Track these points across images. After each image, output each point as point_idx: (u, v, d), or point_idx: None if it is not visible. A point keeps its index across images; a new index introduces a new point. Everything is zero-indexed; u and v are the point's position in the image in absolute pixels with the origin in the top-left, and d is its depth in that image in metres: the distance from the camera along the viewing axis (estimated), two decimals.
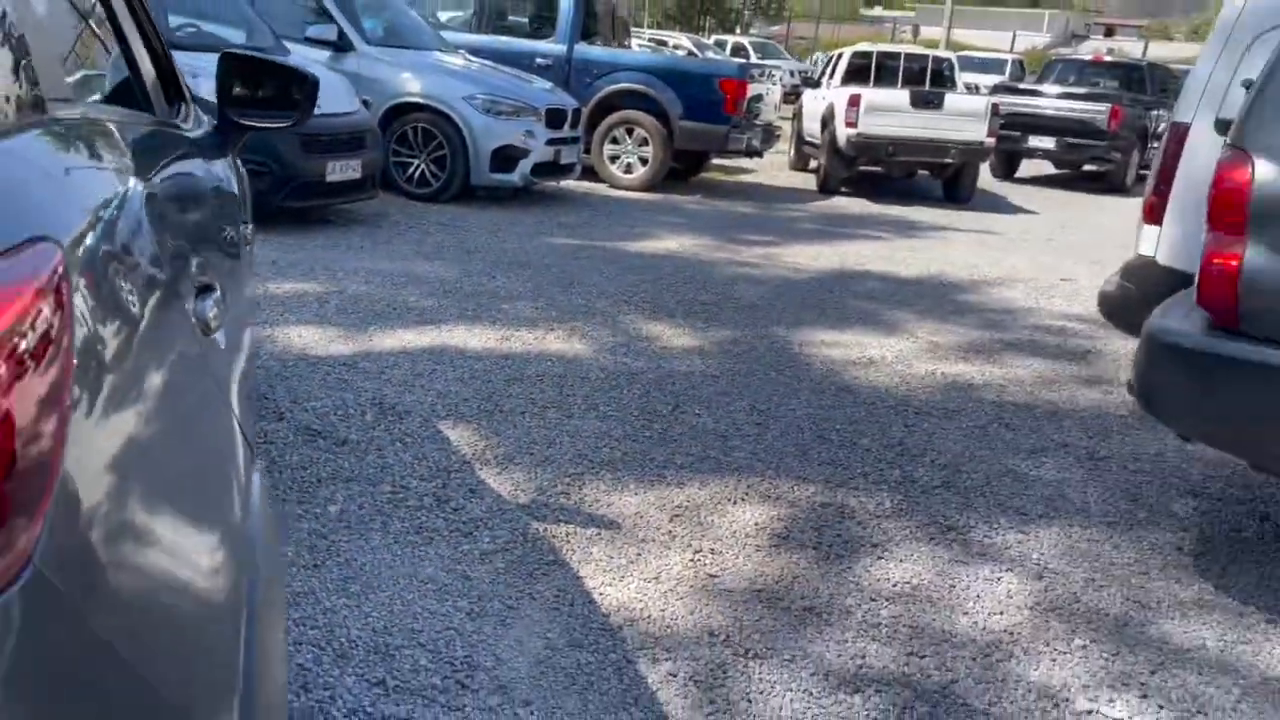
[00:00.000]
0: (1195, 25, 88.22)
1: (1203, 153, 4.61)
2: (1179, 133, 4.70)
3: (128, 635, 0.82)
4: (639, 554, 3.08)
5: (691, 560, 3.07)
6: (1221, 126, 4.50)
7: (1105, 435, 4.47)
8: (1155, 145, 16.72)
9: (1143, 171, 16.51)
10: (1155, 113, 16.49)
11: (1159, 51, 41.66)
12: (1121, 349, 5.81)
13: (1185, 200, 4.64)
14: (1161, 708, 2.54)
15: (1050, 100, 15.43)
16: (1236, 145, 2.75)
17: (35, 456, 0.70)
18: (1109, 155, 15.22)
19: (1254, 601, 3.09)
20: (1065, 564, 3.25)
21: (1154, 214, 4.74)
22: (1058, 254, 9.29)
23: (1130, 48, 44.89)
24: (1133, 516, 3.65)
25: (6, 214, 0.80)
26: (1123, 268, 4.96)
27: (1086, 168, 16.02)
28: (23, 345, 0.70)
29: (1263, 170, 2.66)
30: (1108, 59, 18.72)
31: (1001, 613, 2.93)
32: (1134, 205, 13.76)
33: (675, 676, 2.48)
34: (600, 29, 11.96)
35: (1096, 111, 14.89)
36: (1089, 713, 2.50)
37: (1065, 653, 2.75)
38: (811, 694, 2.47)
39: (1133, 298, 4.82)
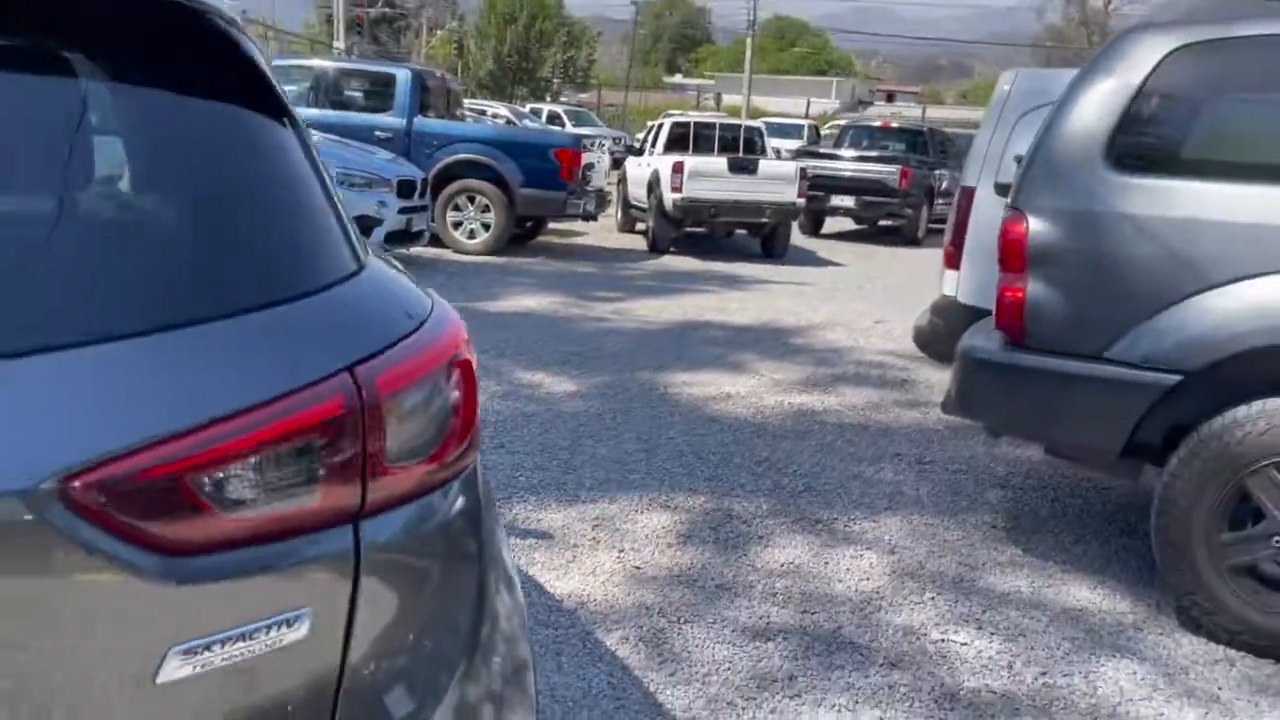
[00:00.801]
0: (963, 90, 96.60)
1: (986, 210, 5.66)
2: (968, 194, 5.73)
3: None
4: (574, 556, 3.66)
5: (618, 558, 3.68)
6: (1000, 189, 5.56)
7: (928, 445, 5.35)
8: (941, 201, 18.65)
9: (932, 225, 18.35)
10: (938, 172, 18.40)
11: (936, 114, 45.62)
12: (932, 377, 6.80)
13: (976, 250, 5.66)
14: (993, 634, 3.31)
15: (848, 163, 17.00)
16: (1015, 206, 3.64)
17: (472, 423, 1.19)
18: (902, 211, 16.88)
19: (1052, 559, 3.95)
20: (910, 542, 4.03)
21: (952, 261, 5.74)
22: (868, 300, 10.42)
23: (909, 112, 48.90)
24: (956, 505, 4.50)
25: (417, 302, 1.23)
26: (931, 306, 5.93)
27: (883, 223, 17.64)
28: (458, 374, 1.18)
29: (1035, 225, 3.55)
30: (894, 125, 20.69)
31: (867, 579, 3.66)
32: (926, 255, 15.41)
33: (627, 639, 3.08)
34: (435, 103, 12.54)
35: (889, 172, 16.53)
36: (941, 641, 3.24)
37: (919, 603, 3.50)
38: (734, 644, 3.12)
39: (940, 330, 5.79)
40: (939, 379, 6.80)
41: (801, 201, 13.34)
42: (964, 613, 3.45)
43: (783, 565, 3.71)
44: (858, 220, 17.79)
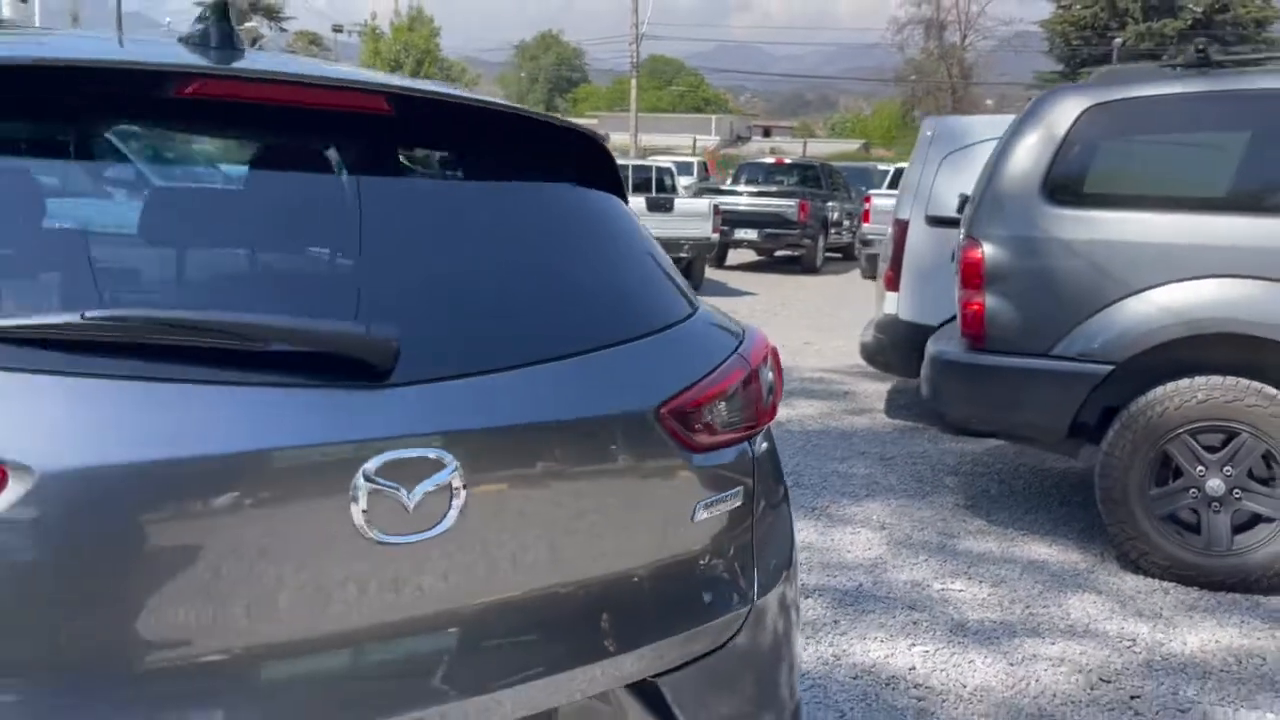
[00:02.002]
0: (832, 123, 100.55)
1: (918, 239, 6.55)
2: (901, 226, 6.60)
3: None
4: None
5: None
6: (931, 220, 6.47)
7: (884, 444, 6.16)
8: (835, 231, 19.86)
9: (828, 254, 19.55)
10: (830, 204, 19.63)
11: (815, 148, 47.69)
12: (870, 389, 7.64)
13: (911, 273, 6.53)
14: (981, 582, 4.08)
15: (749, 198, 18.02)
16: (970, 235, 4.46)
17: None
18: (800, 242, 17.97)
19: (1012, 526, 4.76)
20: (894, 520, 4.79)
21: (892, 284, 6.59)
22: (790, 325, 11.29)
23: (789, 146, 50.94)
24: (922, 489, 5.28)
25: (735, 324, 1.82)
26: (875, 323, 6.77)
27: (782, 253, 18.71)
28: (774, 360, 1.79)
29: (988, 249, 4.36)
30: (788, 161, 21.90)
31: (869, 549, 4.40)
32: (826, 282, 16.51)
33: None
34: None
35: (787, 206, 17.62)
36: (942, 589, 3.99)
37: (915, 564, 4.25)
38: None
39: (885, 344, 6.64)
40: (876, 390, 7.67)
41: (716, 236, 14.24)
42: (953, 569, 4.21)
43: (798, 544, 4.41)
44: (759, 251, 18.81)
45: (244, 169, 1.45)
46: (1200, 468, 4.06)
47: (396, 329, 1.24)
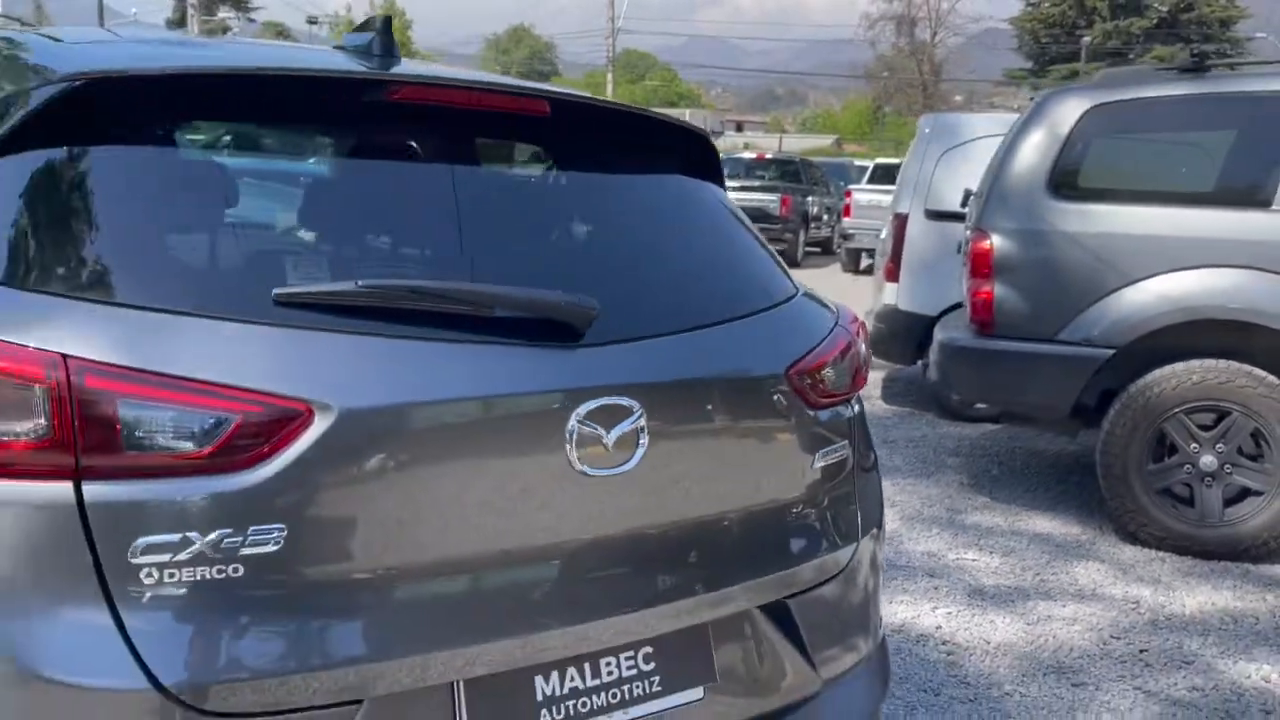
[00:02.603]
0: (803, 118, 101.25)
1: (917, 232, 6.83)
2: (901, 220, 6.88)
3: None
4: None
5: None
6: (930, 214, 6.74)
7: (886, 429, 6.43)
8: (816, 225, 20.18)
9: (808, 249, 19.87)
10: (810, 199, 19.95)
11: (788, 144, 48.06)
12: (871, 377, 7.91)
13: (911, 265, 6.81)
14: (991, 553, 4.35)
15: (732, 193, 18.22)
16: (979, 227, 4.73)
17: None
18: (783, 236, 18.24)
19: (1014, 502, 5.05)
20: (904, 498, 5.06)
21: (892, 276, 6.87)
22: None
23: (764, 141, 51.28)
24: (926, 470, 5.56)
25: (828, 301, 2.05)
26: (875, 313, 7.03)
27: None
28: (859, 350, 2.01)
29: (996, 241, 4.63)
30: (769, 156, 22.19)
31: (893, 534, 4.66)
32: (809, 275, 16.68)
33: None
34: None
35: (770, 200, 17.92)
36: (957, 559, 4.26)
37: (929, 536, 4.51)
38: None
39: (884, 333, 6.91)
40: (872, 377, 7.93)
41: None
42: (965, 541, 4.49)
43: None
44: None
45: (442, 164, 1.66)
46: (1194, 445, 4.35)
47: (594, 298, 1.47)
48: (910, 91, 71.10)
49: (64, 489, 1.19)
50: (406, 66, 1.79)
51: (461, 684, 1.38)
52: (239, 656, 1.24)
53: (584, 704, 1.48)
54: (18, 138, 1.38)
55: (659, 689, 1.56)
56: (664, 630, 1.56)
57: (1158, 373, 4.39)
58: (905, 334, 6.71)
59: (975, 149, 6.73)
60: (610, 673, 1.51)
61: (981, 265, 4.69)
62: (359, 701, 1.30)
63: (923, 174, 6.84)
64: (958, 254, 5.62)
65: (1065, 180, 4.61)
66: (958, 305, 5.77)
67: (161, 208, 1.42)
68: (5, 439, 1.19)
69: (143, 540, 1.20)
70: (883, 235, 7.56)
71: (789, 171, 20.45)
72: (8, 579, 1.18)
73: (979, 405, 6.08)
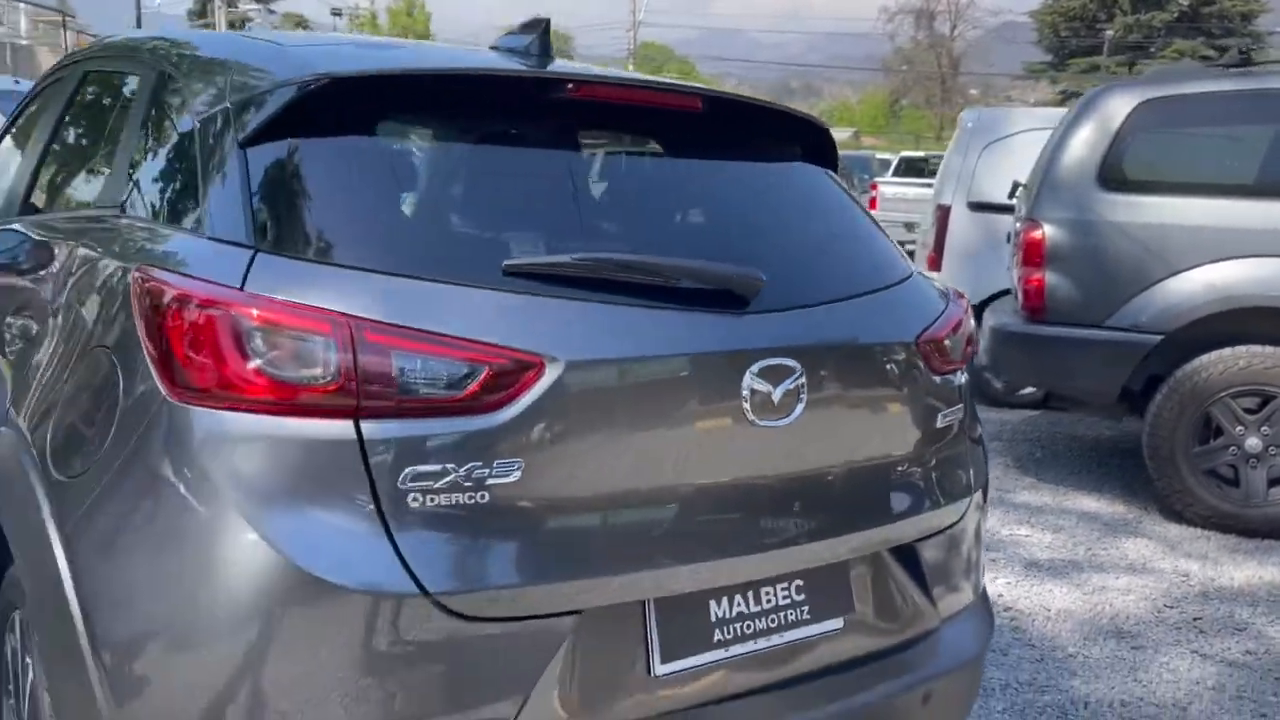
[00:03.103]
0: (819, 111, 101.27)
1: (960, 223, 7.01)
2: (944, 211, 7.06)
3: None
4: None
5: None
6: (973, 206, 6.93)
7: None
8: None
9: None
10: None
11: None
12: None
13: (953, 255, 7.00)
14: (1043, 530, 4.54)
15: None
16: (1031, 217, 4.91)
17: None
18: None
19: (1060, 483, 5.24)
20: None
21: (935, 265, 7.05)
22: None
23: None
24: None
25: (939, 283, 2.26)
26: None
27: None
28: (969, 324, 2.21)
29: (1048, 230, 4.81)
30: None
31: None
32: None
33: None
34: None
35: None
36: (1010, 535, 4.45)
37: (995, 518, 4.70)
38: None
39: None
40: None
41: None
42: (1015, 518, 4.68)
43: None
44: None
45: (621, 153, 1.87)
46: (1240, 427, 4.53)
47: (758, 271, 1.67)
48: (928, 85, 71.03)
49: (346, 426, 1.40)
50: (571, 66, 2.00)
51: (652, 602, 1.59)
52: (486, 570, 1.45)
53: (748, 626, 1.69)
54: (271, 129, 1.59)
55: (807, 617, 1.76)
56: (813, 565, 1.77)
57: (1204, 358, 4.57)
58: None
59: (1016, 143, 6.91)
60: (769, 600, 1.72)
61: (1033, 254, 4.87)
62: (579, 612, 1.51)
63: (965, 167, 7.02)
64: (1006, 243, 5.80)
65: (1114, 173, 4.78)
66: (999, 293, 5.96)
67: (400, 188, 1.64)
68: (298, 383, 1.40)
69: (410, 469, 1.41)
70: (924, 226, 7.74)
71: None
72: (299, 499, 1.39)
73: (1025, 390, 6.27)
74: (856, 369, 1.82)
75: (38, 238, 2.15)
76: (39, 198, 2.49)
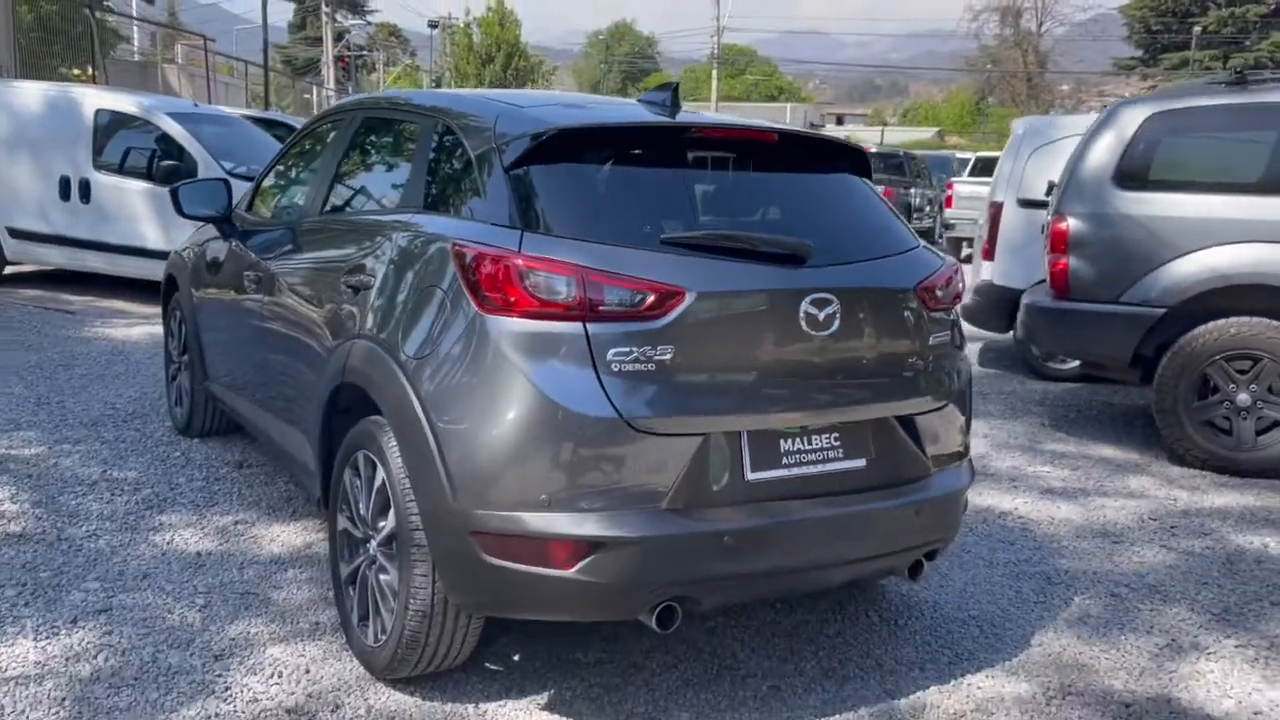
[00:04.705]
0: (904, 110, 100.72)
1: (1011, 219, 7.96)
2: (997, 207, 8.02)
3: None
4: None
5: None
6: (1022, 203, 7.87)
7: (981, 385, 7.57)
8: (918, 216, 21.11)
9: None
10: (913, 190, 20.88)
11: (890, 136, 48.47)
12: (969, 346, 9.04)
13: (1004, 246, 7.94)
14: (1063, 468, 5.51)
15: None
16: (1058, 211, 5.88)
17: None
18: None
19: (1084, 437, 6.18)
20: (994, 432, 6.22)
21: (988, 255, 8.01)
22: None
23: (865, 134, 51.90)
24: (1014, 413, 6.72)
25: (938, 252, 3.34)
26: (973, 288, 8.18)
27: None
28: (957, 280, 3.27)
29: (1071, 223, 5.77)
30: (873, 149, 23.19)
31: (976, 449, 5.85)
32: None
33: None
34: None
35: None
36: (1033, 471, 5.43)
37: (1011, 457, 5.69)
38: None
39: (981, 305, 8.05)
40: (969, 348, 9.05)
41: None
42: (1041, 460, 5.66)
43: None
44: None
45: (726, 169, 2.99)
46: (1232, 385, 5.44)
47: (811, 241, 2.78)
48: (1014, 82, 70.64)
49: (579, 326, 2.54)
50: (697, 115, 3.15)
51: (746, 434, 2.70)
52: (654, 405, 2.56)
53: (804, 457, 2.78)
54: (524, 159, 2.76)
55: (840, 455, 2.84)
56: (844, 421, 2.85)
57: (1202, 328, 5.49)
58: (999, 306, 7.83)
59: (1060, 146, 7.82)
60: (816, 442, 2.80)
61: (1059, 242, 5.85)
62: (705, 435, 2.62)
63: (1015, 168, 7.97)
64: (1041, 234, 6.75)
65: (1128, 173, 5.73)
66: (1043, 280, 6.90)
67: (598, 192, 2.78)
68: (552, 302, 2.54)
69: (613, 349, 2.53)
70: (980, 221, 8.68)
71: (893, 164, 21.41)
72: (551, 363, 2.53)
73: (1055, 364, 7.18)
74: (872, 302, 2.90)
75: (361, 226, 3.35)
76: (337, 202, 3.71)
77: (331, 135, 3.94)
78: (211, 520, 4.09)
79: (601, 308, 2.56)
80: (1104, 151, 5.79)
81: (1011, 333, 8.06)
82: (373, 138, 3.77)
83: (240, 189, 4.65)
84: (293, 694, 2.88)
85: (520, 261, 2.58)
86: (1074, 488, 5.18)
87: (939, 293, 3.08)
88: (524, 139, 2.81)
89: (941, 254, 3.31)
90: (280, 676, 2.96)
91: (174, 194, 4.36)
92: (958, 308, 3.24)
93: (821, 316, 2.76)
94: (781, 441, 2.77)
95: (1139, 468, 5.59)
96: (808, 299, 2.74)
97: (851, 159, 3.26)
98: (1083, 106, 68.91)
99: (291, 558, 3.78)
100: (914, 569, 3.07)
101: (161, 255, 8.94)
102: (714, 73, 42.26)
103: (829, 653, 3.29)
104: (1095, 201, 5.77)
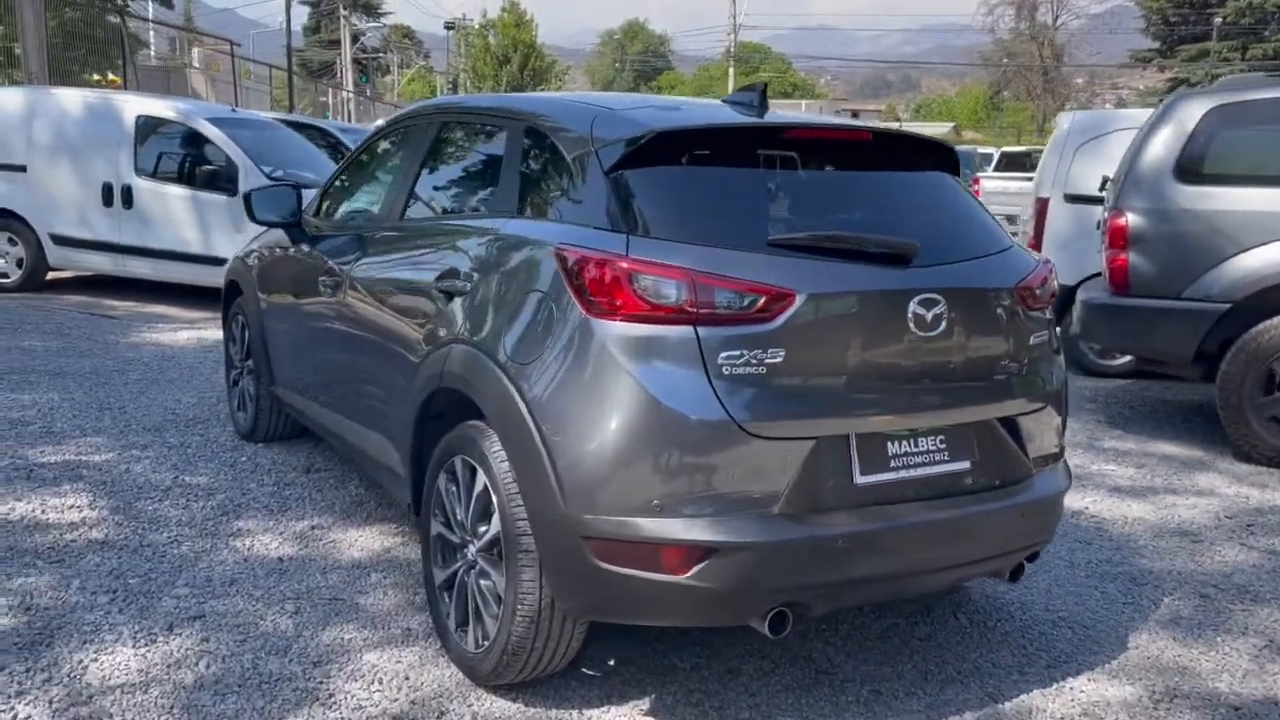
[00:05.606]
0: (917, 105, 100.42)
1: (1057, 213, 7.91)
2: (1043, 203, 7.96)
3: None
4: None
5: None
6: (1069, 198, 7.82)
7: None
8: None
9: None
10: None
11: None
12: None
13: (1051, 242, 7.89)
14: (1127, 467, 5.46)
15: None
16: (1116, 206, 5.82)
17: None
18: None
19: (1144, 434, 6.13)
20: None
21: (1035, 249, 7.95)
22: None
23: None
24: (1069, 411, 6.65)
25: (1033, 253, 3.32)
26: None
27: None
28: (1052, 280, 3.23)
29: (1131, 218, 5.72)
30: None
31: None
32: None
33: None
34: None
35: None
36: (1098, 469, 5.39)
37: (1074, 455, 5.63)
38: None
39: None
40: None
41: None
42: (1103, 459, 5.61)
43: None
44: None
45: (824, 168, 2.96)
46: None
47: (920, 242, 2.75)
48: (1029, 76, 70.27)
49: (689, 330, 2.51)
50: (791, 115, 3.13)
51: (854, 436, 2.67)
52: (765, 409, 2.53)
53: (911, 459, 2.75)
54: (623, 163, 2.73)
55: (945, 458, 2.81)
56: (949, 424, 2.81)
57: (1267, 323, 5.43)
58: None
59: (1108, 141, 7.78)
60: (922, 445, 2.77)
61: (1118, 238, 5.80)
62: (815, 438, 2.59)
63: (1061, 164, 7.92)
64: (1096, 230, 6.70)
65: (1189, 167, 5.67)
66: (1092, 276, 6.85)
67: (698, 194, 2.76)
68: (661, 305, 2.52)
69: (724, 353, 2.50)
70: (1024, 217, 8.62)
71: None
72: (661, 367, 2.50)
73: (1118, 361, 7.13)
74: (977, 302, 2.87)
75: (451, 231, 3.33)
76: (419, 207, 3.69)
77: (407, 140, 3.92)
78: (288, 525, 4.08)
79: (712, 310, 2.54)
80: (1163, 145, 5.73)
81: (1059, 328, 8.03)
82: (454, 142, 3.75)
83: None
84: (396, 700, 2.87)
85: (628, 265, 2.56)
86: (1142, 486, 5.13)
87: (1037, 292, 3.05)
88: (622, 142, 2.78)
89: (1035, 253, 3.27)
90: (381, 683, 2.95)
91: (247, 200, 4.35)
92: (1052, 307, 3.21)
93: (929, 317, 2.73)
94: (889, 444, 2.74)
95: (1204, 465, 5.54)
96: (915, 300, 2.71)
97: (941, 156, 3.23)
98: (1096, 100, 68.67)
99: (373, 562, 3.77)
100: (1015, 571, 3.04)
101: (204, 260, 9.03)
102: (730, 70, 42.15)
103: (923, 656, 3.26)
104: (1155, 196, 5.71)
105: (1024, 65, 70.46)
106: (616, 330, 2.55)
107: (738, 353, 2.53)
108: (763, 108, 3.15)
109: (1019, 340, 2.98)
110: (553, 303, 2.69)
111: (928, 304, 2.72)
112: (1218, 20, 50.94)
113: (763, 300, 2.55)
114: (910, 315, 2.70)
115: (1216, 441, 5.87)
